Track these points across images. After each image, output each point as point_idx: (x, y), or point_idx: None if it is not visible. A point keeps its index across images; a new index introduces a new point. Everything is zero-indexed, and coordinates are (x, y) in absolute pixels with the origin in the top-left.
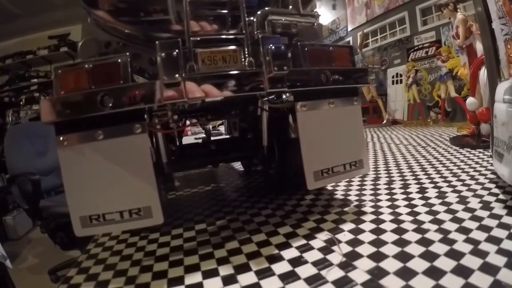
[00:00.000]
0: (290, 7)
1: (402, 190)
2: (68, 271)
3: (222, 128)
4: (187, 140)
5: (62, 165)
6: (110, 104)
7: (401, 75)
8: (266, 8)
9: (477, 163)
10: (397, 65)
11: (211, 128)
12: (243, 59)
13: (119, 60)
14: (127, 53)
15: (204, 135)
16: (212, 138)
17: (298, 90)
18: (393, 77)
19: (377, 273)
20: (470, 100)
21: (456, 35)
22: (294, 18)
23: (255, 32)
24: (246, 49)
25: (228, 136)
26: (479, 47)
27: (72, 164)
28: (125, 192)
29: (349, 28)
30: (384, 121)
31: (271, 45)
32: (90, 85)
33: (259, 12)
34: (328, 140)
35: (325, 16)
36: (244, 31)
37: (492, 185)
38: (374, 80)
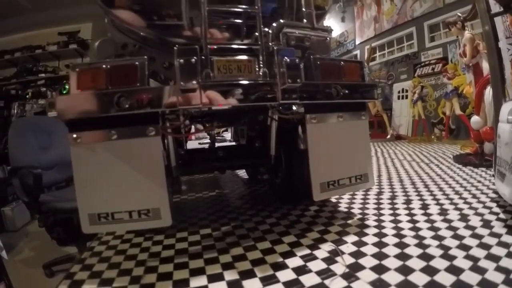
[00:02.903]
0: (305, 20)
1: (405, 206)
2: (71, 266)
3: (226, 135)
4: (191, 144)
5: (74, 162)
6: (126, 106)
7: (407, 91)
8: (282, 21)
9: (479, 181)
10: (403, 81)
11: (215, 134)
12: (257, 69)
13: (137, 63)
14: (145, 57)
15: (208, 141)
16: (217, 144)
17: (309, 102)
18: (399, 92)
19: (379, 285)
20: (475, 118)
21: (463, 53)
22: (308, 31)
23: (270, 44)
24: (260, 60)
25: (234, 143)
26: (485, 66)
27: (84, 162)
28: (135, 192)
29: (357, 42)
30: (388, 136)
31: (285, 57)
32: (107, 86)
33: (274, 24)
34: (335, 152)
35: (334, 28)
36: (259, 42)
37: (493, 204)
38: (380, 95)
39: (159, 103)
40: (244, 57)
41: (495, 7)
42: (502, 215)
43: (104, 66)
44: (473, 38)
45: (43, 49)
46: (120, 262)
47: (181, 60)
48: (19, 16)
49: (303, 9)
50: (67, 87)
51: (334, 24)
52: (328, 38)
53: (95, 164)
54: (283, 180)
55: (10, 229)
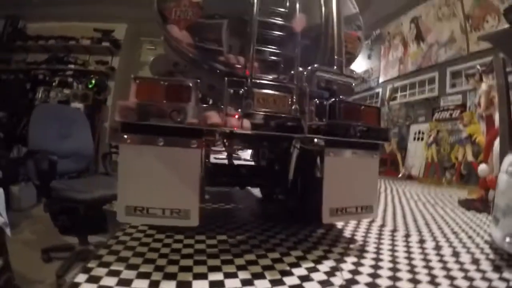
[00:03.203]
0: (335, 67)
1: (404, 238)
2: (96, 250)
3: (241, 153)
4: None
5: (121, 158)
6: (178, 119)
7: (423, 133)
8: (315, 65)
9: (477, 225)
10: (421, 123)
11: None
12: (290, 105)
13: (191, 84)
14: (198, 80)
15: (224, 157)
16: (237, 162)
17: (330, 138)
18: (415, 133)
19: None
20: (482, 166)
21: (478, 104)
22: (337, 77)
23: (304, 84)
24: (294, 97)
25: (253, 163)
26: (498, 117)
27: (130, 159)
28: (171, 193)
29: (381, 80)
30: (400, 175)
31: (315, 99)
32: (163, 99)
33: (309, 68)
34: (346, 184)
35: (359, 64)
36: (295, 82)
37: (486, 246)
38: (397, 134)
39: (206, 122)
40: (280, 92)
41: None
42: (491, 256)
43: (162, 82)
44: (489, 91)
45: (76, 41)
46: (145, 252)
47: (231, 90)
48: (60, 5)
49: (335, 56)
50: (93, 82)
51: (360, 59)
52: (353, 84)
53: (140, 163)
54: (296, 202)
55: (15, 208)
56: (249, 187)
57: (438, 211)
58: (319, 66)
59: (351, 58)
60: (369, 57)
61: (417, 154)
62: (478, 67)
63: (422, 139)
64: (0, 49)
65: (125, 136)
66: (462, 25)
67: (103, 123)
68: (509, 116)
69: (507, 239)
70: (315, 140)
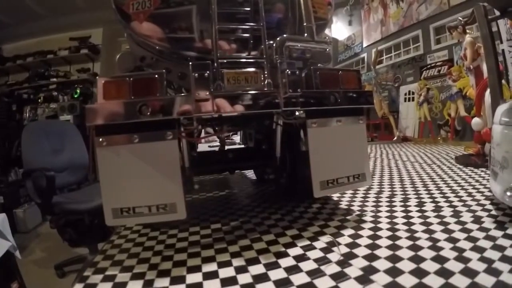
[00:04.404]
0: (305, 34)
1: (402, 203)
2: (93, 259)
3: (235, 138)
4: (202, 148)
5: (100, 162)
6: (148, 113)
7: (413, 93)
8: (284, 35)
9: (477, 181)
10: (410, 83)
11: (225, 137)
12: (262, 80)
13: (157, 76)
14: (164, 70)
15: (218, 144)
16: (227, 147)
17: (309, 109)
18: (405, 94)
19: (369, 270)
20: (475, 120)
21: (464, 56)
22: (308, 44)
23: (274, 57)
24: (265, 72)
25: (243, 146)
26: (485, 68)
27: (109, 162)
28: (154, 189)
29: (364, 45)
30: (395, 138)
31: (287, 70)
32: (131, 96)
33: (278, 39)
34: (334, 154)
35: (341, 31)
36: (264, 55)
37: (487, 202)
38: (387, 97)
39: (177, 111)
40: (250, 69)
41: (493, 12)
42: (493, 212)
43: (127, 78)
44: (474, 42)
45: (54, 54)
46: (139, 253)
47: (196, 74)
48: (31, 21)
49: (304, 24)
50: (78, 91)
51: (341, 27)
52: (328, 49)
53: (119, 164)
54: (287, 180)
55: (21, 230)
56: (241, 171)
57: (436, 170)
58: (288, 35)
59: (323, 24)
60: (350, 23)
61: (410, 115)
62: (460, 18)
63: (413, 99)
64: None
65: (100, 139)
66: None
67: (93, 130)
68: (497, 65)
69: (508, 193)
70: (296, 113)
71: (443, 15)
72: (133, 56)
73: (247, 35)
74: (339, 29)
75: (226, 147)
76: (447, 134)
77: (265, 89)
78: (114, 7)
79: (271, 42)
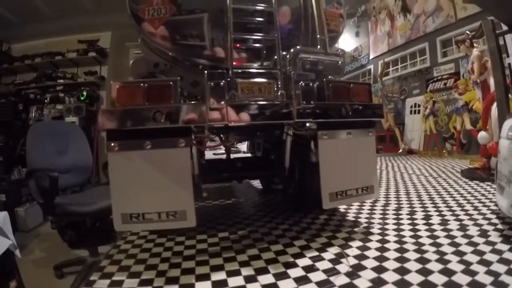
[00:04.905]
0: (318, 46)
1: (408, 216)
2: (99, 261)
3: (240, 146)
4: (207, 155)
5: (111, 167)
6: (162, 120)
7: (419, 105)
8: (298, 47)
9: (482, 195)
10: (416, 95)
11: (230, 145)
12: (276, 91)
13: (171, 83)
14: (178, 77)
15: (223, 151)
16: (232, 155)
17: (321, 121)
18: (411, 107)
19: (378, 282)
20: (482, 134)
21: (471, 70)
22: (321, 56)
23: (288, 68)
24: (279, 82)
25: (250, 155)
26: (492, 82)
27: (120, 167)
28: (164, 196)
29: (371, 56)
30: (400, 150)
31: (301, 81)
32: (145, 102)
33: (292, 50)
34: (344, 166)
35: (348, 42)
36: (278, 67)
37: (493, 216)
38: (393, 109)
39: (190, 119)
40: (264, 79)
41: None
42: (500, 226)
43: (142, 84)
44: (481, 56)
45: (62, 56)
46: (146, 259)
47: (212, 83)
48: (40, 22)
49: (318, 36)
50: (84, 93)
51: (348, 38)
52: (340, 62)
53: (130, 169)
54: (295, 190)
55: (22, 229)
56: (248, 180)
57: (441, 183)
58: (302, 47)
59: (335, 36)
60: (357, 34)
61: (415, 128)
62: (468, 32)
63: (419, 112)
64: None
65: (112, 144)
66: None
67: (99, 133)
68: (504, 79)
69: None
70: (307, 124)
71: (450, 28)
72: (146, 62)
73: (261, 45)
74: (346, 40)
75: (233, 155)
76: (453, 147)
77: (279, 99)
78: (129, 12)
79: (285, 53)
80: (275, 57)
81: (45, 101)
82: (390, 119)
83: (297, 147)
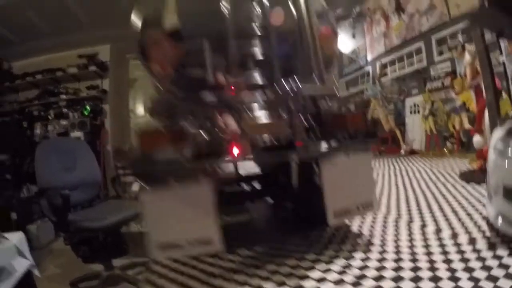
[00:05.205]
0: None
1: (406, 225)
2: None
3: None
4: None
5: (143, 204)
6: (185, 162)
7: (418, 106)
8: (301, 86)
9: (476, 199)
10: (415, 95)
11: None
12: (282, 127)
13: (188, 127)
14: (198, 123)
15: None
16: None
17: (323, 152)
18: (411, 107)
19: None
20: (476, 138)
21: (465, 74)
22: (322, 92)
23: (290, 104)
24: (285, 116)
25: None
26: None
27: (151, 203)
28: (192, 225)
29: (369, 58)
30: (402, 151)
31: (304, 120)
32: (167, 146)
33: (296, 90)
34: (345, 185)
35: (345, 44)
36: (283, 104)
37: (483, 223)
38: (393, 110)
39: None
40: (271, 118)
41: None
42: (487, 233)
43: (162, 131)
44: (473, 61)
45: (63, 71)
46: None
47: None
48: (39, 39)
49: (316, 71)
50: (88, 108)
51: (345, 39)
52: (338, 94)
53: (160, 205)
54: (303, 208)
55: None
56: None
57: (440, 188)
58: (304, 86)
59: (332, 56)
60: (353, 36)
61: (416, 128)
62: (460, 38)
63: (419, 111)
64: None
65: (142, 184)
66: None
67: (105, 147)
68: (494, 82)
69: (499, 219)
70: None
71: (444, 26)
72: (162, 103)
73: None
74: (343, 42)
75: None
76: (453, 145)
77: (285, 132)
78: (138, 52)
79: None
80: (280, 93)
81: (49, 117)
82: (390, 120)
83: (303, 170)
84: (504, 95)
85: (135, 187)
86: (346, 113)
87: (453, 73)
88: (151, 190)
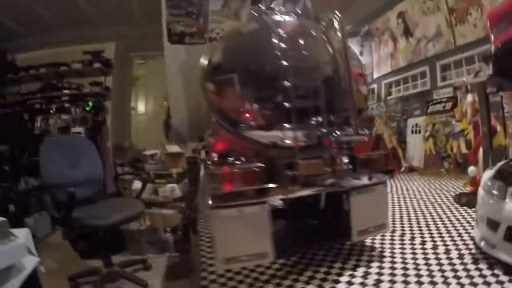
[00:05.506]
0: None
1: (410, 241)
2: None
3: None
4: None
5: (214, 223)
6: (251, 195)
7: (419, 126)
8: (339, 133)
9: (468, 222)
10: (417, 116)
11: None
12: (323, 166)
13: (258, 170)
14: (262, 164)
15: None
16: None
17: (353, 186)
18: (412, 127)
19: None
20: (471, 168)
21: (466, 112)
22: (354, 137)
23: (331, 150)
24: (327, 160)
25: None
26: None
27: (221, 224)
28: (253, 242)
29: (375, 76)
30: (403, 169)
31: (340, 161)
32: (240, 184)
33: (336, 136)
34: (367, 211)
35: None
36: (327, 149)
37: (471, 242)
38: (395, 128)
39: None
40: (317, 160)
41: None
42: (473, 250)
43: (237, 171)
44: (474, 102)
45: (68, 66)
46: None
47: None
48: (45, 33)
49: (352, 122)
50: (90, 104)
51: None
52: (366, 139)
53: (229, 225)
54: (331, 226)
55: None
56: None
57: (437, 209)
58: (342, 133)
59: (361, 112)
60: (361, 53)
61: (416, 147)
62: (464, 79)
63: (419, 131)
64: None
65: (216, 209)
66: (447, 18)
67: (105, 143)
68: (489, 118)
69: (482, 242)
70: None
71: (449, 54)
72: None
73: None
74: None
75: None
76: (450, 165)
77: (327, 174)
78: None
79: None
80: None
81: (51, 111)
82: (393, 140)
83: (334, 197)
84: (499, 128)
85: (136, 185)
86: (372, 156)
87: (454, 99)
88: (223, 213)
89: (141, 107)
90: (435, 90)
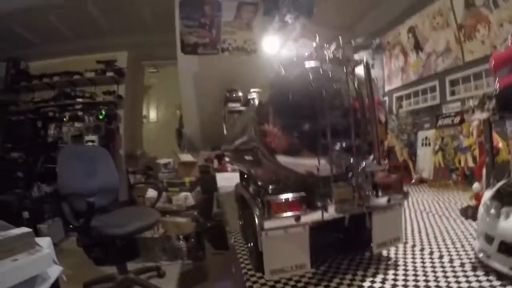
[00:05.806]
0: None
1: (420, 252)
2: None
3: None
4: None
5: (265, 243)
6: (296, 218)
7: (429, 139)
8: (365, 164)
9: (470, 234)
10: (427, 129)
11: None
12: (353, 194)
13: (301, 198)
14: (305, 194)
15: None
16: None
17: (375, 207)
18: (422, 140)
19: None
20: (476, 185)
21: (471, 133)
22: (376, 167)
23: (359, 181)
24: (355, 190)
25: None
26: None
27: (270, 242)
28: (294, 256)
29: (386, 89)
30: (413, 181)
31: (367, 191)
32: (286, 210)
33: (362, 167)
34: (385, 227)
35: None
36: (355, 178)
37: (472, 252)
38: (406, 141)
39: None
40: (348, 187)
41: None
42: (473, 260)
43: (284, 200)
44: (480, 125)
45: (81, 75)
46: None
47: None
48: (58, 42)
49: (375, 153)
50: (103, 112)
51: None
52: (386, 169)
53: (276, 242)
54: (354, 239)
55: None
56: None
57: (444, 222)
58: (369, 167)
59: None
60: (372, 66)
61: (426, 159)
62: (471, 103)
63: (429, 144)
64: (7, 92)
65: (267, 232)
66: (456, 34)
67: (117, 151)
68: (491, 142)
69: (481, 253)
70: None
71: (458, 69)
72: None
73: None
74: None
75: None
76: (458, 178)
77: (354, 199)
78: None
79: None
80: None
81: (64, 119)
82: (404, 153)
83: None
84: (501, 145)
85: (150, 193)
86: (391, 181)
87: (462, 114)
88: (271, 235)
89: (152, 115)
90: (444, 105)
